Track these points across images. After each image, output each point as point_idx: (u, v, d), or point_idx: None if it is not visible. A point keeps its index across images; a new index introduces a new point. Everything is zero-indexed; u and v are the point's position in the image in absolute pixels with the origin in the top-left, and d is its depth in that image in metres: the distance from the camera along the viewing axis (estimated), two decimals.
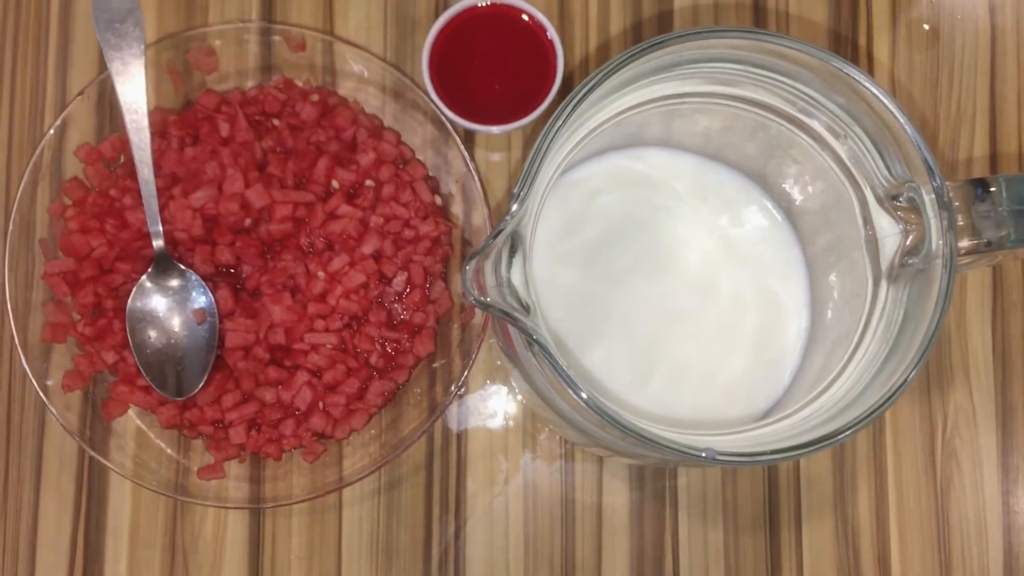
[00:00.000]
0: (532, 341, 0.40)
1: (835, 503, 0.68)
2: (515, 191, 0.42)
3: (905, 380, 0.42)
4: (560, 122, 0.42)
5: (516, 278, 0.41)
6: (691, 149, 0.60)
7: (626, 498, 0.68)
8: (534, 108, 0.66)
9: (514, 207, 0.41)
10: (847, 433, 0.42)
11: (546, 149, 0.42)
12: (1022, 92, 0.73)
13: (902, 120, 0.43)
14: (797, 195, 0.58)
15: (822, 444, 0.42)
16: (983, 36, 0.73)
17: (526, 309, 0.41)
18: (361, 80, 0.70)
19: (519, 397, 0.68)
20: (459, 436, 0.69)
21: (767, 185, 0.59)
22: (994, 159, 0.72)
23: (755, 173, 0.59)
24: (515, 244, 0.41)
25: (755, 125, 0.52)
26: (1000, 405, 0.70)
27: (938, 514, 0.68)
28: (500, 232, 0.40)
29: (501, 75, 0.68)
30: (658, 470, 0.68)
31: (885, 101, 0.43)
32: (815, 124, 0.49)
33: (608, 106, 0.48)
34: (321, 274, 0.66)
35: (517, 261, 0.41)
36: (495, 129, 0.65)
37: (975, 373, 0.70)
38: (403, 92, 0.69)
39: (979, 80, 0.73)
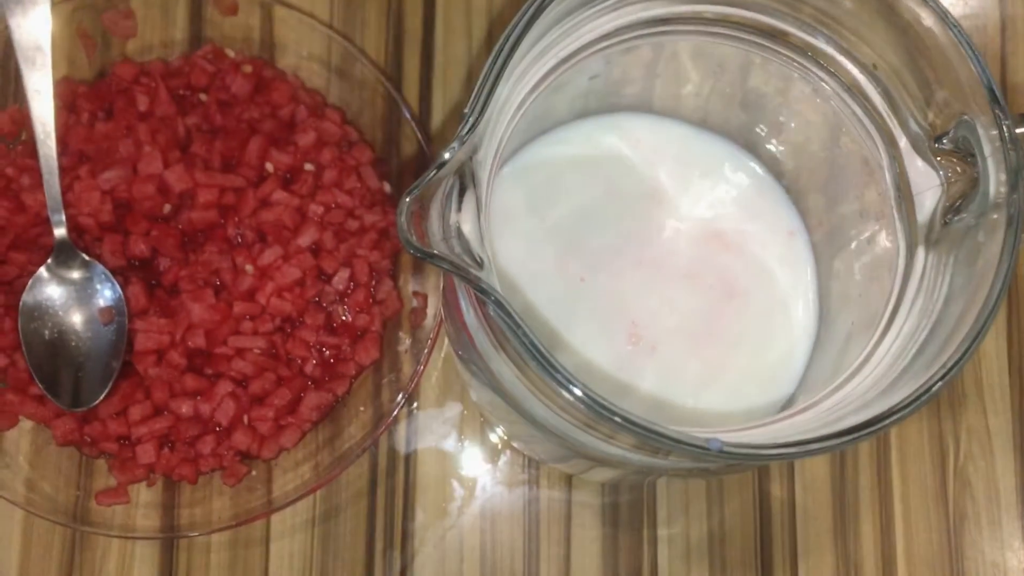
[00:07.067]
0: (488, 301, 0.32)
1: (835, 539, 0.61)
2: (465, 112, 0.33)
3: (962, 356, 0.34)
4: (519, 29, 0.34)
5: (467, 226, 0.33)
6: (675, 116, 0.52)
7: (598, 531, 0.60)
8: None
9: (463, 132, 0.33)
10: (894, 418, 0.33)
11: (503, 62, 0.34)
12: None
13: (953, 31, 0.35)
14: (801, 160, 0.50)
15: (861, 433, 0.34)
16: None
17: (479, 264, 0.32)
18: (302, 55, 0.63)
19: (480, 416, 0.61)
20: (407, 458, 0.60)
21: (763, 154, 0.52)
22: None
23: (749, 141, 0.52)
24: (465, 184, 0.33)
25: (754, 70, 0.45)
26: (1018, 428, 0.62)
27: (951, 552, 0.61)
28: (444, 164, 0.32)
29: None
30: (635, 502, 0.60)
31: (931, 7, 0.36)
32: (832, 51, 0.41)
33: (582, 27, 0.40)
34: (250, 268, 0.58)
35: (468, 205, 0.33)
36: None
37: (989, 392, 0.63)
38: (350, 67, 0.62)
39: None
